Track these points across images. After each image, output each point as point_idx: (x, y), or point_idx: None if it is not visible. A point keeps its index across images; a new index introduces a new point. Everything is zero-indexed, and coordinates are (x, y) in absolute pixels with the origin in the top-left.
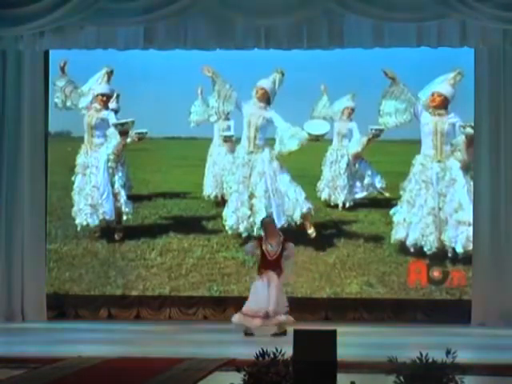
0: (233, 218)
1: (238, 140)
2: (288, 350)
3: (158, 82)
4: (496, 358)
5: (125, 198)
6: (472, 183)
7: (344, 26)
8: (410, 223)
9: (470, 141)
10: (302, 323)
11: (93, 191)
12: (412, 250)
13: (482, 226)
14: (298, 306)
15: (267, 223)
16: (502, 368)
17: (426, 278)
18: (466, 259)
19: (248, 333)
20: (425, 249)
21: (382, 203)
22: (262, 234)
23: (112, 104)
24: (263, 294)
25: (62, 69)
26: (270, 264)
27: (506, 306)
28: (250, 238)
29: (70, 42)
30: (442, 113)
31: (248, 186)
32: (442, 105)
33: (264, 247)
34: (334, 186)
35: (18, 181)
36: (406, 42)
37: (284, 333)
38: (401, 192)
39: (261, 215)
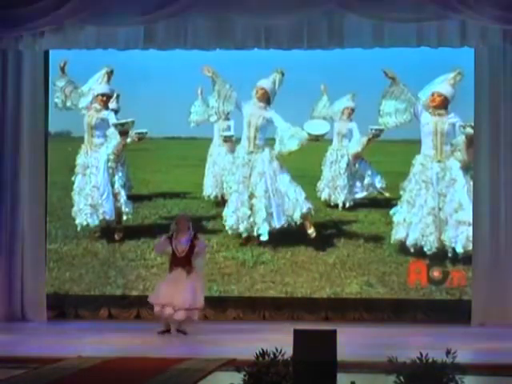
0: (233, 218)
1: (238, 140)
2: (288, 350)
3: (158, 82)
4: (496, 358)
5: (125, 197)
6: (472, 183)
7: (344, 26)
8: (410, 223)
9: (470, 141)
10: (302, 323)
11: (93, 191)
12: (412, 250)
13: (481, 226)
14: (298, 306)
15: (179, 219)
16: (502, 368)
17: (425, 278)
18: (466, 259)
19: (165, 330)
20: (425, 249)
21: (382, 203)
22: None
23: (112, 104)
24: (170, 289)
25: (62, 69)
26: (178, 261)
27: (506, 306)
28: (250, 238)
29: (70, 42)
30: (442, 113)
31: (248, 186)
32: (442, 105)
33: (174, 244)
34: (334, 185)
35: (17, 181)
36: (406, 42)
37: (184, 333)
38: (401, 192)
39: (261, 215)
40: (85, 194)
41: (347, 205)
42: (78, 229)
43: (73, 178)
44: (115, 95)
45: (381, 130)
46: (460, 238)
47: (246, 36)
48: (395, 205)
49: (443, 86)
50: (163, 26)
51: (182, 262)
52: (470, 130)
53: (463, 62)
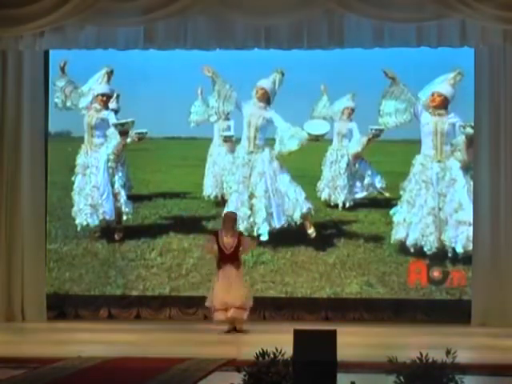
0: None
1: (238, 140)
2: (288, 350)
3: (158, 82)
4: (496, 358)
5: (125, 198)
6: (472, 183)
7: (344, 26)
8: (410, 223)
9: (470, 141)
10: (302, 323)
11: (93, 191)
12: (412, 250)
13: (482, 226)
14: (298, 306)
15: (226, 216)
16: (502, 368)
17: (425, 278)
18: (465, 259)
19: (230, 330)
20: (425, 249)
21: (382, 203)
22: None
23: (112, 104)
24: (224, 288)
25: (62, 69)
26: (227, 257)
27: (506, 306)
28: (249, 238)
29: (70, 42)
30: (442, 113)
31: (248, 186)
32: (442, 105)
33: (220, 242)
34: (334, 185)
35: (17, 181)
36: (406, 42)
37: (235, 329)
38: (401, 192)
39: (261, 215)
40: (85, 194)
41: (347, 205)
42: (78, 229)
43: (73, 178)
44: (115, 95)
45: (381, 130)
46: (460, 238)
47: (246, 36)
48: (395, 205)
49: (443, 86)
50: (163, 25)
51: (231, 258)
52: (469, 130)
53: (463, 62)
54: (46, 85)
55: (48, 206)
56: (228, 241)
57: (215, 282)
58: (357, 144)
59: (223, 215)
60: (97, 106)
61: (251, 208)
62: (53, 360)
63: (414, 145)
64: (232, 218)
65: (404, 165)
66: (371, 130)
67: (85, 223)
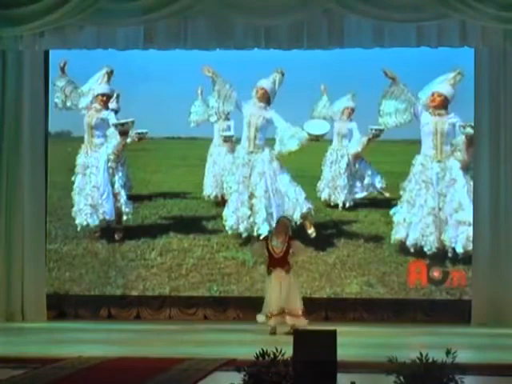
0: (233, 218)
1: (238, 140)
2: (288, 350)
3: (158, 82)
4: (496, 358)
5: (125, 198)
6: (472, 183)
7: (344, 26)
8: (410, 223)
9: (470, 141)
10: None
11: (93, 191)
12: (412, 250)
13: (482, 226)
14: None
15: (279, 221)
16: (502, 368)
17: (426, 278)
18: (465, 259)
19: (272, 332)
20: (425, 249)
21: (382, 203)
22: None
23: (112, 104)
24: (277, 292)
25: (62, 69)
26: (277, 261)
27: (506, 306)
28: (249, 238)
29: (70, 42)
30: (442, 113)
31: (248, 186)
32: (442, 105)
33: (270, 246)
34: (334, 185)
35: (17, 181)
36: (406, 42)
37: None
38: (401, 192)
39: (261, 215)
40: (85, 194)
41: (347, 205)
42: (78, 229)
43: (73, 178)
44: (115, 95)
45: (381, 130)
46: (460, 238)
47: (246, 36)
48: (395, 205)
49: (443, 86)
50: (163, 25)
51: (280, 262)
52: (470, 130)
53: (463, 62)
54: (46, 85)
55: (48, 205)
56: (278, 245)
57: (268, 287)
58: (357, 144)
59: (277, 220)
60: (97, 106)
61: (251, 208)
62: (53, 360)
63: (414, 145)
64: (285, 224)
65: (404, 165)
66: (371, 129)
67: (85, 223)
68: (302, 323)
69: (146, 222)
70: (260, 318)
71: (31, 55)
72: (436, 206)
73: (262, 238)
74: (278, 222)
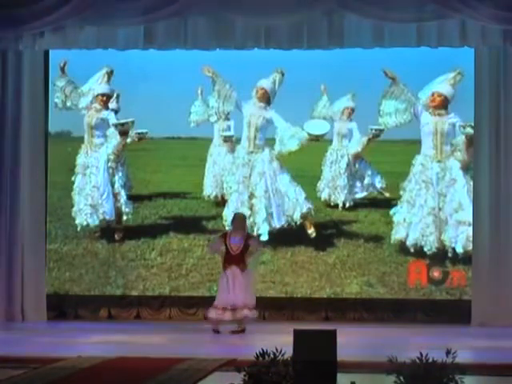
0: None
1: (238, 140)
2: (288, 350)
3: (158, 82)
4: (496, 358)
5: (125, 198)
6: (472, 183)
7: (344, 26)
8: (410, 223)
9: (470, 141)
10: (302, 323)
11: (93, 191)
12: (412, 250)
13: (482, 226)
14: (298, 306)
15: (235, 217)
16: (502, 368)
17: (426, 278)
18: (465, 259)
19: (215, 330)
20: (425, 249)
21: (382, 203)
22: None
23: (112, 104)
24: (228, 289)
25: (62, 69)
26: (233, 259)
27: (505, 306)
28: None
29: (70, 42)
30: (442, 113)
31: (248, 186)
32: (442, 105)
33: (228, 242)
34: (334, 185)
35: (17, 181)
36: (406, 42)
37: (243, 331)
38: (401, 192)
39: (261, 215)
40: (85, 194)
41: (347, 205)
42: (78, 229)
43: (73, 178)
44: (115, 95)
45: (381, 130)
46: (460, 238)
47: (246, 36)
48: (395, 205)
49: (443, 86)
50: (163, 25)
51: (236, 259)
52: (470, 130)
53: (463, 62)
54: (46, 85)
55: (48, 206)
56: (235, 242)
57: (220, 283)
58: (357, 144)
59: (233, 215)
60: (97, 106)
61: (251, 208)
62: (53, 360)
63: (414, 145)
64: (241, 220)
65: (404, 165)
66: (371, 129)
67: (85, 223)
68: (251, 314)
69: (146, 221)
70: (211, 313)
71: (31, 55)
72: (436, 206)
73: (220, 234)
74: (234, 218)
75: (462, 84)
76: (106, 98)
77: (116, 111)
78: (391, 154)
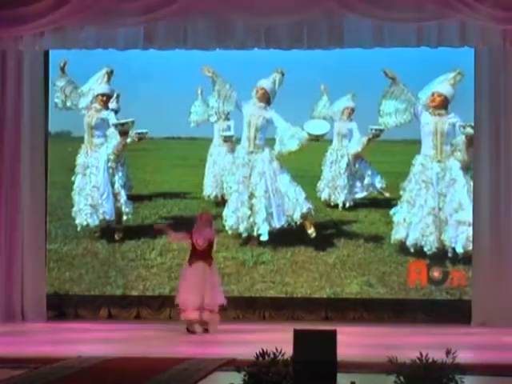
0: (233, 218)
1: (238, 140)
2: (288, 350)
3: (158, 82)
4: (496, 358)
5: (125, 198)
6: (472, 183)
7: (344, 26)
8: (410, 223)
9: (470, 141)
10: (302, 323)
11: (93, 191)
12: (412, 250)
13: (482, 226)
14: (298, 306)
15: (200, 214)
16: (502, 368)
17: (426, 278)
18: (465, 259)
19: (191, 330)
20: (425, 249)
21: (382, 203)
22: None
23: (112, 104)
24: (195, 285)
25: (62, 69)
26: (199, 254)
27: (506, 306)
28: (250, 238)
29: (70, 42)
30: (442, 113)
31: (248, 186)
32: (442, 105)
33: (194, 238)
34: (334, 185)
35: (17, 181)
36: (406, 42)
37: (207, 330)
38: (401, 192)
39: (261, 215)
40: (85, 194)
41: (347, 205)
42: (78, 229)
43: (73, 178)
44: (115, 95)
45: (381, 130)
46: (460, 238)
47: (246, 36)
48: (395, 205)
49: (443, 86)
50: (163, 26)
51: (202, 255)
52: (470, 130)
53: (463, 62)
54: (46, 85)
55: (48, 205)
56: (201, 237)
57: (184, 279)
58: (357, 144)
59: (199, 212)
60: (97, 106)
61: (251, 208)
62: (53, 360)
63: (414, 145)
64: (207, 216)
65: (404, 165)
66: (371, 129)
67: (85, 223)
68: (215, 319)
69: (146, 222)
70: (186, 315)
71: (31, 55)
72: (436, 206)
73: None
74: (199, 215)
75: (462, 84)
76: (106, 98)
77: (116, 111)
78: (391, 154)
